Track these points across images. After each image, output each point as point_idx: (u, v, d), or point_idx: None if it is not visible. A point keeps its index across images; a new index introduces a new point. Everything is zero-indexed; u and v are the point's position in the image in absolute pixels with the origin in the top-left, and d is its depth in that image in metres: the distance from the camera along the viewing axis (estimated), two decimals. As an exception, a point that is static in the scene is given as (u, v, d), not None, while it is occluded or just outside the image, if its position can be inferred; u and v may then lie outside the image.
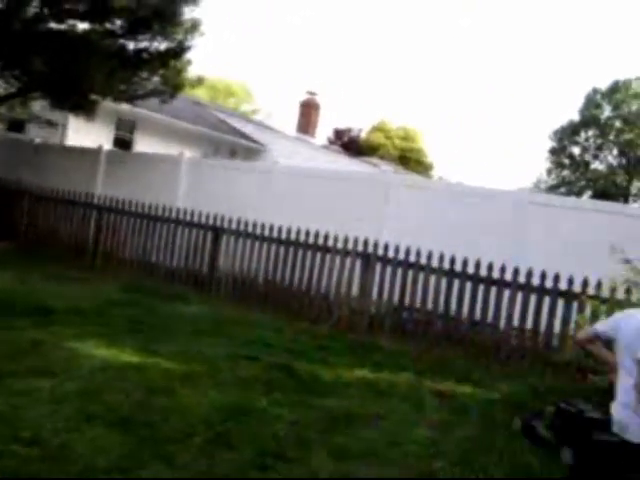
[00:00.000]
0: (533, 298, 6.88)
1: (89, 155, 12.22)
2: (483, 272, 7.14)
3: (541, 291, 6.84)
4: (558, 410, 4.42)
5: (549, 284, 6.79)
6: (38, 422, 3.63)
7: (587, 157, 39.80)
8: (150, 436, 3.67)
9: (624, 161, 38.77)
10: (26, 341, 5.28)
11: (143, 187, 10.76)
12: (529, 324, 6.86)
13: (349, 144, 39.41)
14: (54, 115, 12.72)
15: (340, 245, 8.10)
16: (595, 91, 38.82)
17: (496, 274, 7.08)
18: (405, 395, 5.22)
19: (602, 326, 3.18)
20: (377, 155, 35.72)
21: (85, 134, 14.12)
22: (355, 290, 7.94)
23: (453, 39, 72.62)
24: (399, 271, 7.65)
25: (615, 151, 39.05)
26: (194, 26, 10.41)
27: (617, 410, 2.90)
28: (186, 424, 3.93)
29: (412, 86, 69.48)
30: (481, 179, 72.50)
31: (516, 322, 6.94)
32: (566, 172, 40.53)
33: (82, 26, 10.27)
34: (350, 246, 8.04)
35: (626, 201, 35.71)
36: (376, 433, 4.27)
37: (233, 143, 19.55)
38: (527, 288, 6.90)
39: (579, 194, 37.27)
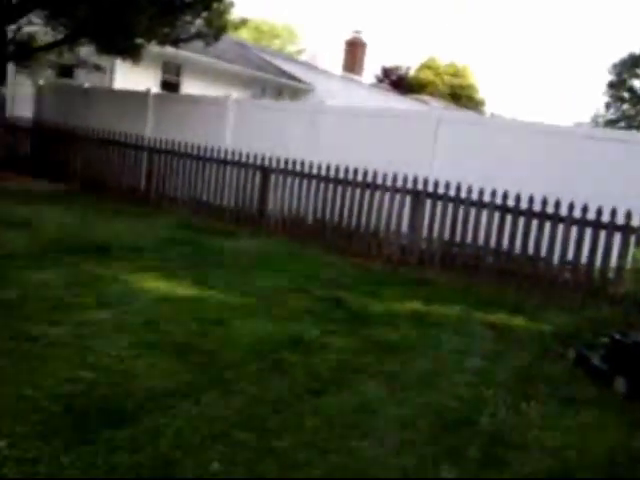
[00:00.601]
0: (589, 232, 6.71)
1: (137, 98, 12.33)
2: (537, 207, 6.99)
3: (597, 225, 6.66)
4: (612, 341, 4.40)
5: (605, 218, 6.61)
6: (102, 350, 3.80)
7: (648, 90, 37.94)
8: (207, 363, 3.81)
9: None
10: (89, 276, 5.51)
11: (191, 128, 10.88)
12: (584, 259, 6.71)
13: (398, 82, 38.57)
14: (101, 60, 12.81)
15: (389, 182, 8.03)
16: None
17: (550, 209, 6.92)
18: (456, 327, 5.22)
19: None
20: (426, 92, 34.85)
21: (132, 78, 14.21)
22: (405, 227, 7.91)
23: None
24: (449, 207, 7.55)
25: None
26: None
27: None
28: (241, 352, 4.06)
29: (461, 22, 66.79)
30: (536, 114, 69.95)
31: (570, 257, 6.81)
32: (626, 106, 38.79)
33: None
34: (399, 183, 7.97)
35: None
36: (427, 362, 4.31)
37: (279, 84, 19.36)
38: (582, 222, 6.74)
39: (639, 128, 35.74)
